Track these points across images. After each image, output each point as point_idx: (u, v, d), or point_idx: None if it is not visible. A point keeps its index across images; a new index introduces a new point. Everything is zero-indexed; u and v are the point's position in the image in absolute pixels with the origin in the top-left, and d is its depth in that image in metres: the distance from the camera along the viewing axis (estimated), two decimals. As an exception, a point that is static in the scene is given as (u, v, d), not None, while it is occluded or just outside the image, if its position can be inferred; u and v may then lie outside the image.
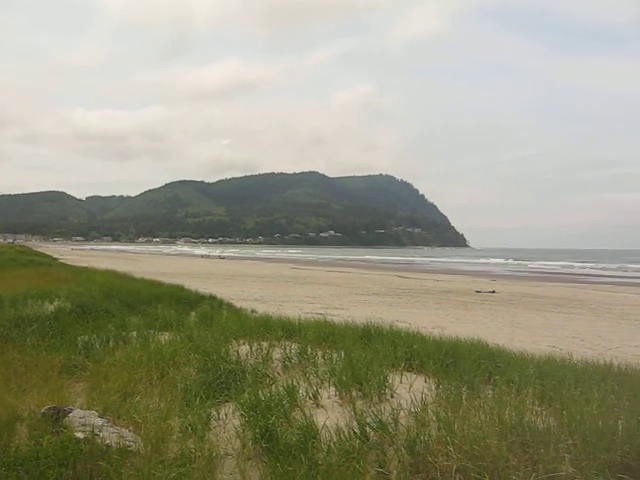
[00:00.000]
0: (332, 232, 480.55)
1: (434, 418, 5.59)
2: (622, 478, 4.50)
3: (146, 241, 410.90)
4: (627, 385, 6.74)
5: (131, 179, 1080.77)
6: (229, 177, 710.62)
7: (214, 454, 5.60)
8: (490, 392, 6.55)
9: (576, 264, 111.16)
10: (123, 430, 6.02)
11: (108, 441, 5.59)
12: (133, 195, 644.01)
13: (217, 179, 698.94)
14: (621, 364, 8.37)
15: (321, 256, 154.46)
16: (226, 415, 6.59)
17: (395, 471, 4.98)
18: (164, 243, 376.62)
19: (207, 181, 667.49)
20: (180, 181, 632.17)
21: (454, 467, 4.77)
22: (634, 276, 72.84)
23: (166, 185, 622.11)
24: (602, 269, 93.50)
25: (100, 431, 5.73)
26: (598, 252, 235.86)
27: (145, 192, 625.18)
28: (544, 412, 5.91)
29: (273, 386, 7.23)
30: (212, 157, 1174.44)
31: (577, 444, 4.88)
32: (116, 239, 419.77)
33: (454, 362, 7.86)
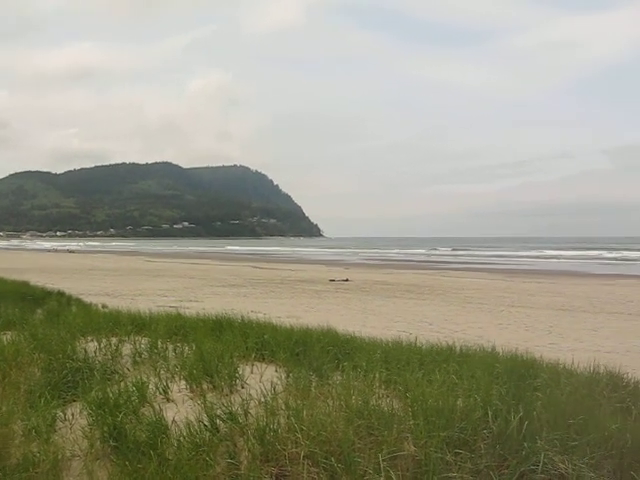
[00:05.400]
0: (186, 224, 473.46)
1: (283, 407, 5.66)
2: (459, 453, 4.76)
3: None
4: (467, 365, 7.08)
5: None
6: (78, 168, 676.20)
7: (60, 456, 5.46)
8: (338, 378, 6.71)
9: (427, 252, 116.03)
10: (-41, 437, 5.72)
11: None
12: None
13: (65, 170, 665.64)
14: (463, 345, 8.81)
15: (175, 248, 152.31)
16: (73, 415, 6.41)
17: (245, 461, 5.03)
18: (8, 237, 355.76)
19: (54, 172, 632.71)
20: (25, 172, 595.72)
21: (302, 453, 4.88)
22: (479, 262, 77.05)
23: (10, 176, 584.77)
24: (451, 256, 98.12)
25: None
26: (449, 240, 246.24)
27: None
28: (389, 395, 6.13)
29: (122, 383, 7.07)
30: (59, 146, 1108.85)
31: (419, 424, 5.09)
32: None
33: (304, 350, 7.97)
